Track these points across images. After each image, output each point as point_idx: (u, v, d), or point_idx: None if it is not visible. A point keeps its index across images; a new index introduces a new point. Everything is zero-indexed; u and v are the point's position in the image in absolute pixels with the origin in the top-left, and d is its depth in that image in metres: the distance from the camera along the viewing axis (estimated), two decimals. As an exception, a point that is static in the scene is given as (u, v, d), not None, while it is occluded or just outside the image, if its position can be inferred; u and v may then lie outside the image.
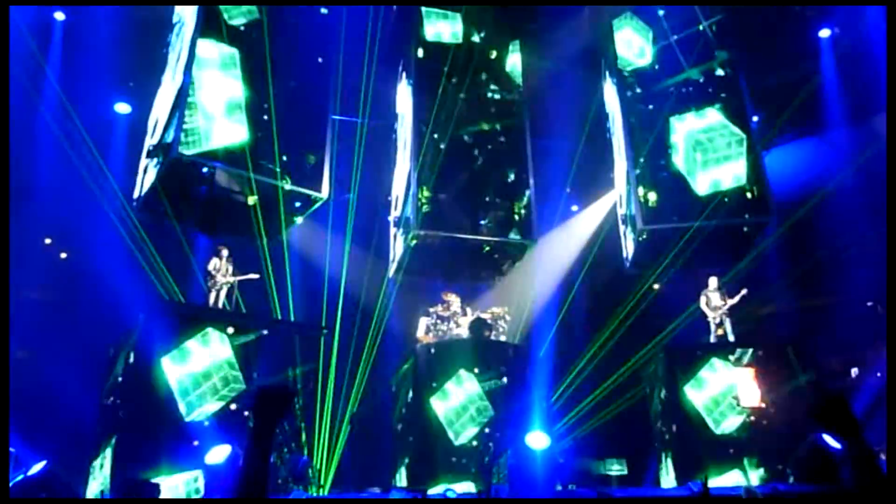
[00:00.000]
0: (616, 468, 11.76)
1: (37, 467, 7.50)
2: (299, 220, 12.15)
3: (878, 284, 13.07)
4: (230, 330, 9.91)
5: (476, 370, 10.46)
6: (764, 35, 12.98)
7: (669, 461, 10.84)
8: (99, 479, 9.01)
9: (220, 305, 10.76)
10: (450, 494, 7.83)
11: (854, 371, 12.27)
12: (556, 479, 8.47)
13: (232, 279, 10.84)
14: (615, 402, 12.70)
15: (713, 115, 12.43)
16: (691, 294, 12.42)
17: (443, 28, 13.31)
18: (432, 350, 11.00)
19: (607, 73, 13.40)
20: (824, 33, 13.03)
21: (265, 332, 10.25)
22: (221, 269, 10.83)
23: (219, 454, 8.00)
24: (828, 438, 8.54)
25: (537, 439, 8.93)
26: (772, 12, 12.91)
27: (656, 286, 14.74)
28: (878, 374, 13.12)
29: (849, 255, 12.88)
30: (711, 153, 12.24)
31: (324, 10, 12.24)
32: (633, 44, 13.10)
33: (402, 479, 10.09)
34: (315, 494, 9.49)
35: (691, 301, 12.23)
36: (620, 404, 12.60)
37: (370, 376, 12.37)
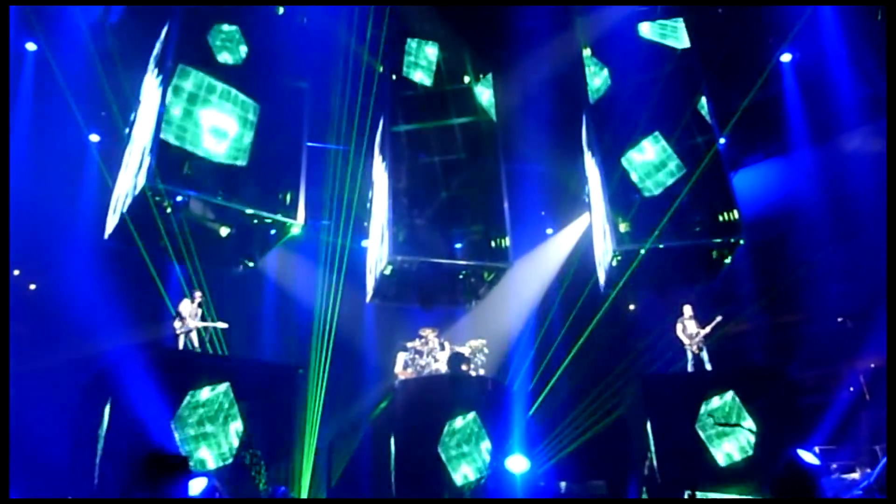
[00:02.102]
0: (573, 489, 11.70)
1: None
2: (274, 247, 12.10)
3: (846, 300, 13.38)
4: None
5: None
6: (727, 60, 13.33)
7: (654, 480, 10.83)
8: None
9: (189, 347, 10.59)
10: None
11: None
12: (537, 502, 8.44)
13: (201, 324, 10.70)
14: (594, 426, 12.77)
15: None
16: (665, 314, 12.59)
17: (418, 57, 13.44)
18: (411, 387, 10.97)
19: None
20: (785, 58, 13.43)
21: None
22: (192, 313, 10.69)
23: (195, 487, 7.87)
24: (804, 455, 8.68)
25: (517, 463, 8.93)
26: (735, 38, 13.28)
27: (632, 307, 14.93)
28: (851, 389, 13.36)
29: (817, 272, 13.15)
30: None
31: (280, 11, 12.15)
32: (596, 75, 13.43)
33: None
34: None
35: (666, 321, 12.38)
36: (599, 429, 12.68)
37: (348, 408, 12.32)
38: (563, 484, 11.02)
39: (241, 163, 10.96)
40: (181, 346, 10.59)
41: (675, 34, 13.21)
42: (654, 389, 11.17)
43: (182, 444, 9.19)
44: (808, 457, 8.94)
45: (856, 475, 10.40)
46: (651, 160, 12.75)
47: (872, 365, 13.78)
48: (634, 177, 12.71)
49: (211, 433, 9.64)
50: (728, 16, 13.18)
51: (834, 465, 10.97)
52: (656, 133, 12.83)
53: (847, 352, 13.57)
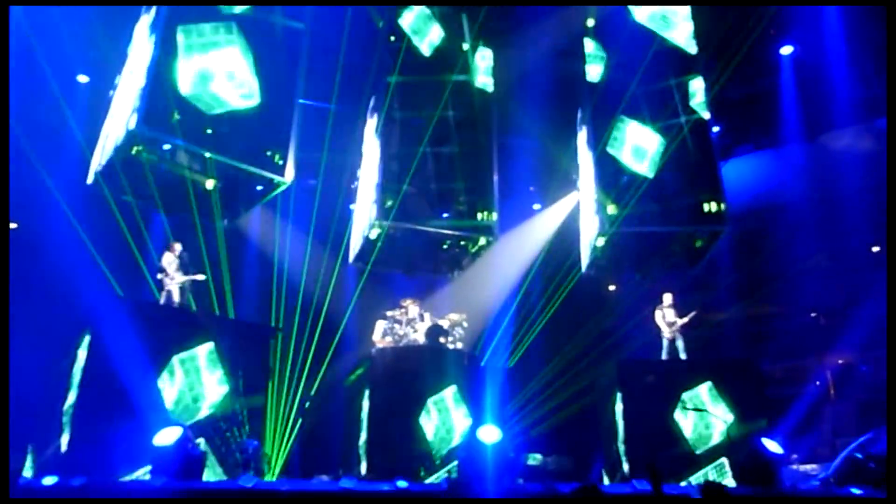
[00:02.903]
0: (534, 460, 11.89)
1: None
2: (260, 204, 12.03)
3: (822, 296, 13.63)
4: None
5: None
6: (727, 49, 13.29)
7: (619, 462, 11.04)
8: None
9: (172, 302, 10.52)
10: (400, 484, 7.91)
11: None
12: (507, 473, 8.59)
13: (181, 278, 10.62)
14: (567, 405, 12.97)
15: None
16: (644, 298, 12.75)
17: (419, 21, 13.25)
18: (388, 356, 11.03)
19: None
20: (786, 50, 13.41)
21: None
22: (173, 265, 10.61)
23: (168, 436, 7.93)
24: (767, 444, 8.89)
25: (489, 433, 9.07)
26: (735, 27, 13.23)
27: (612, 287, 15.09)
28: (818, 383, 13.69)
29: (796, 268, 13.34)
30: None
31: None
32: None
33: (353, 470, 10.08)
34: (263, 480, 9.45)
35: (644, 305, 12.54)
36: (573, 408, 12.89)
37: (325, 372, 12.39)
38: (531, 456, 11.20)
39: (252, 102, 10.86)
40: (162, 300, 10.52)
41: (673, 22, 13.12)
42: (628, 374, 11.33)
43: (161, 399, 9.19)
44: (771, 445, 9.22)
45: (815, 467, 10.72)
46: (642, 144, 12.77)
47: (840, 361, 14.13)
48: (624, 159, 12.75)
49: (191, 389, 9.65)
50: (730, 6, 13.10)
51: (794, 456, 11.28)
52: (649, 117, 12.85)
53: (817, 347, 13.88)
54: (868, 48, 11.97)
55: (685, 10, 13.14)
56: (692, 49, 12.94)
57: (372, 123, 13.22)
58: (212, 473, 9.32)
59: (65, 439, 8.74)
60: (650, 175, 12.51)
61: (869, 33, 11.64)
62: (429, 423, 10.23)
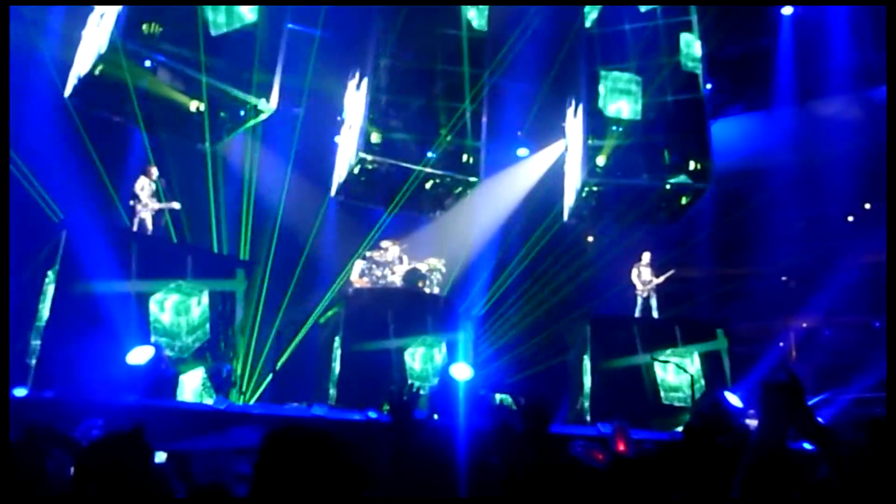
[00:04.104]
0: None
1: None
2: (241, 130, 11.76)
3: (795, 261, 13.85)
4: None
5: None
6: (726, 5, 13.07)
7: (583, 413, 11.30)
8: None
9: (145, 229, 10.31)
10: (370, 415, 8.06)
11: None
12: (476, 408, 8.79)
13: (156, 206, 10.38)
14: (539, 356, 13.20)
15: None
16: (623, 251, 12.87)
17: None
18: (364, 296, 11.03)
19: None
20: (787, 10, 13.21)
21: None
22: (147, 191, 10.33)
23: (142, 354, 7.95)
24: (729, 396, 9.16)
25: (460, 370, 9.24)
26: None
27: (590, 239, 15.19)
28: (781, 344, 14.06)
29: (774, 231, 13.50)
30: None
31: None
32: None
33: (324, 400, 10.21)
34: (237, 403, 9.57)
35: (622, 258, 12.67)
36: (543, 357, 13.12)
37: (300, 306, 12.41)
38: (499, 396, 11.46)
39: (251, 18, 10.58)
40: (135, 226, 10.28)
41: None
42: (600, 329, 11.56)
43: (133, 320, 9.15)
44: (733, 399, 9.53)
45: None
46: (633, 95, 12.67)
47: (804, 325, 14.48)
48: (613, 110, 12.66)
49: (168, 316, 9.61)
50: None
51: (751, 411, 11.68)
52: (639, 69, 12.71)
53: (785, 310, 14.18)
54: (870, 14, 11.82)
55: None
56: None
57: (362, 56, 12.86)
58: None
59: (35, 353, 8.72)
60: (638, 124, 12.47)
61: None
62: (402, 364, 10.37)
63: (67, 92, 10.59)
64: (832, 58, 12.49)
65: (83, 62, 10.47)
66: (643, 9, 12.87)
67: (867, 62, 12.25)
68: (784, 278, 14.85)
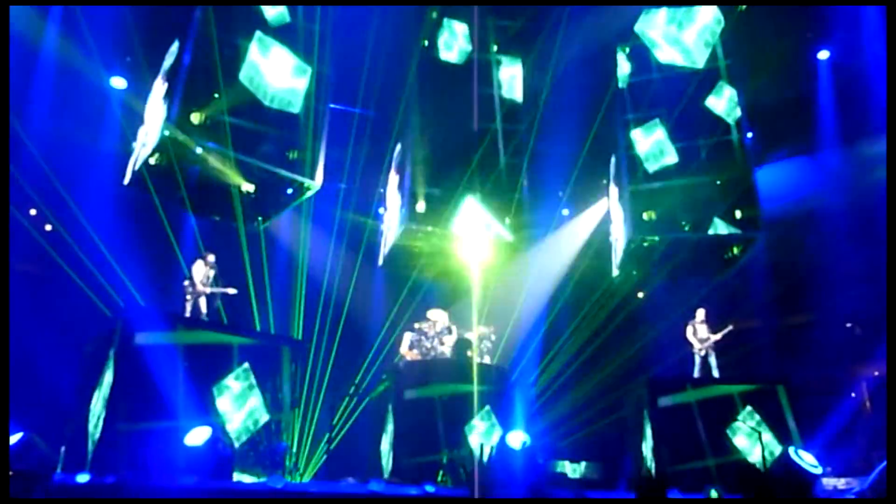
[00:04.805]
0: (570, 469, 11.77)
1: (14, 438, 7.46)
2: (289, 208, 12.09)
3: (858, 305, 13.32)
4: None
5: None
6: (763, 53, 13.08)
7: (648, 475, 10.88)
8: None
9: (198, 314, 10.49)
10: (428, 489, 7.88)
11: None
12: (534, 477, 8.53)
13: (210, 290, 10.59)
14: (598, 420, 12.84)
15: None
16: (675, 307, 12.57)
17: (450, 38, 13.23)
18: (415, 369, 11.01)
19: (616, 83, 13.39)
20: (823, 55, 13.15)
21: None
22: (201, 277, 10.55)
23: (199, 436, 7.99)
24: (802, 455, 8.69)
25: (517, 438, 9.01)
26: (771, 31, 13.01)
27: (640, 294, 14.92)
28: (853, 395, 13.37)
29: (831, 276, 13.06)
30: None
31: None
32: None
33: (381, 473, 10.07)
34: (294, 482, 9.48)
35: (675, 314, 12.37)
36: (603, 422, 12.75)
37: (353, 381, 12.44)
38: (559, 462, 11.11)
39: (294, 110, 11.04)
40: (188, 311, 10.45)
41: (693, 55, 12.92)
42: (659, 391, 11.14)
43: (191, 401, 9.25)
44: (807, 458, 9.03)
45: (850, 480, 10.47)
46: (672, 146, 12.61)
47: (876, 373, 13.78)
48: (652, 162, 12.61)
49: (225, 403, 9.70)
50: (764, 9, 12.86)
51: (829, 469, 11.04)
52: (675, 119, 12.69)
53: (853, 358, 13.55)
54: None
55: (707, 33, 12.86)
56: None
57: (404, 129, 13.19)
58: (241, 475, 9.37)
59: (95, 438, 8.84)
60: (680, 175, 12.37)
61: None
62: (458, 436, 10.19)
63: (127, 180, 11.07)
64: (873, 97, 12.30)
65: (140, 152, 11.00)
66: (676, 62, 12.91)
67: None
68: (849, 325, 14.27)
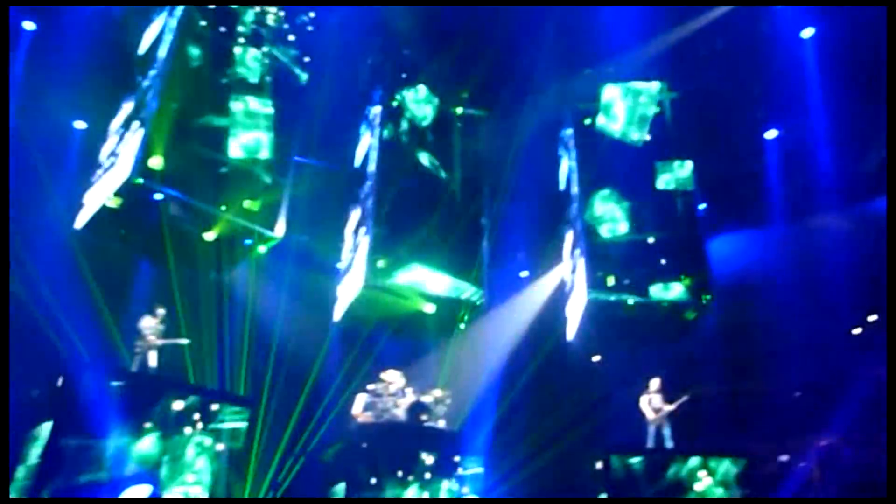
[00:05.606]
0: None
1: None
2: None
3: (806, 376, 13.61)
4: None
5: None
6: (714, 129, 13.72)
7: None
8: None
9: (147, 368, 10.15)
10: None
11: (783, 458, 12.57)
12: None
13: (160, 342, 10.28)
14: (551, 485, 12.68)
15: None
16: (630, 370, 12.65)
17: (411, 95, 13.56)
18: (368, 432, 10.83)
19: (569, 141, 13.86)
20: (770, 134, 13.87)
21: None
22: (151, 330, 10.24)
23: (138, 493, 7.59)
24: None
25: None
26: (722, 109, 13.69)
27: (596, 358, 14.98)
28: (802, 465, 13.50)
29: (782, 346, 13.36)
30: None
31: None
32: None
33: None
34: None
35: (630, 377, 12.42)
36: (556, 487, 12.60)
37: (301, 443, 12.10)
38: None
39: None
40: (136, 366, 10.09)
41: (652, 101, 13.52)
42: (613, 460, 11.12)
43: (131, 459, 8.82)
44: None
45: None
46: (624, 214, 12.98)
47: (824, 443, 13.98)
48: (606, 229, 12.95)
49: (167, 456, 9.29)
50: (714, 87, 13.59)
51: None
52: (627, 188, 13.15)
53: (802, 427, 13.74)
54: (850, 126, 12.38)
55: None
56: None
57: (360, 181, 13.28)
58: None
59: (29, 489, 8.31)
60: (633, 242, 12.72)
61: (854, 110, 12.05)
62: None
63: (79, 224, 10.77)
64: (819, 175, 12.94)
65: (97, 195, 10.75)
66: (629, 136, 13.48)
67: (854, 175, 12.71)
68: (797, 394, 14.53)
